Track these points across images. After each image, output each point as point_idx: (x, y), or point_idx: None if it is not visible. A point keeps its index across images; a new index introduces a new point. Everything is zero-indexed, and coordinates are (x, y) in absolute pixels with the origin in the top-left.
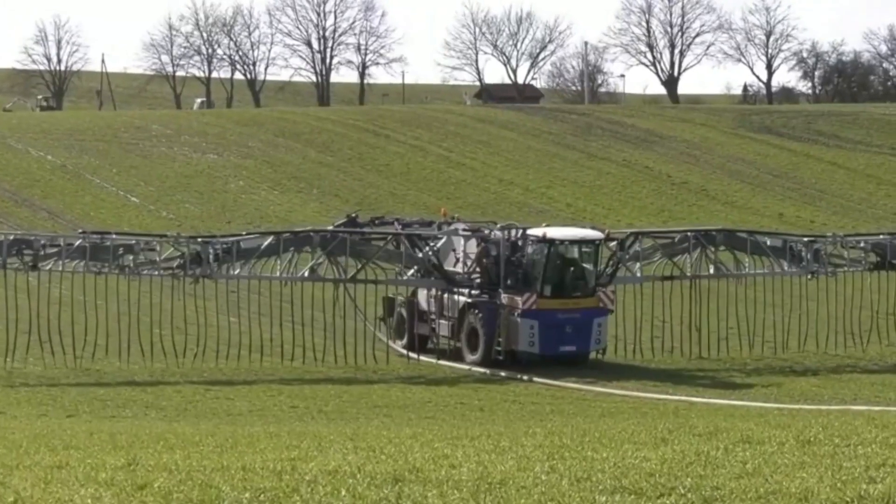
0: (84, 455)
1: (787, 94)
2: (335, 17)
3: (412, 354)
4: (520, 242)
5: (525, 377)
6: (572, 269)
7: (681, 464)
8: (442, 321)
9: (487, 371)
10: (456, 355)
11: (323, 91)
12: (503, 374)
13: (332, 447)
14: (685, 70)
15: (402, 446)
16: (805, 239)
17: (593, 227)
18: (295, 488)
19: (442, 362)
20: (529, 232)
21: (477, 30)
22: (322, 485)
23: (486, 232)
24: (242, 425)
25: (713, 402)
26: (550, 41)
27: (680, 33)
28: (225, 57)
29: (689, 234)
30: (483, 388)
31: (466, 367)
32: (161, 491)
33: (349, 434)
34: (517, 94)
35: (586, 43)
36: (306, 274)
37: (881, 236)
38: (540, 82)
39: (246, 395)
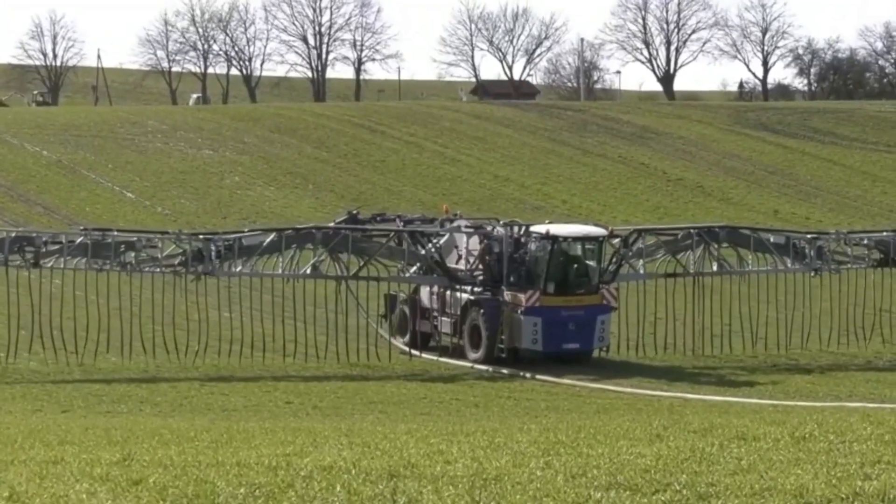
0: (79, 450)
1: (783, 91)
2: (331, 13)
3: (414, 352)
4: (523, 239)
5: (527, 374)
6: (576, 266)
7: (676, 460)
8: (444, 318)
9: (490, 368)
10: (458, 353)
11: (319, 87)
12: (505, 371)
13: (327, 443)
14: (681, 67)
15: (397, 442)
16: (808, 236)
17: (596, 225)
18: (290, 484)
19: (444, 359)
20: (532, 229)
21: (473, 26)
22: (317, 480)
23: (489, 229)
24: (238, 421)
25: (708, 399)
26: (546, 37)
27: (676, 30)
28: (221, 53)
29: (692, 231)
30: (478, 385)
31: (469, 364)
32: (156, 486)
33: (344, 430)
34: (513, 91)
35: (582, 39)
36: (308, 271)
37: (884, 233)
38: (536, 79)
39: (241, 391)
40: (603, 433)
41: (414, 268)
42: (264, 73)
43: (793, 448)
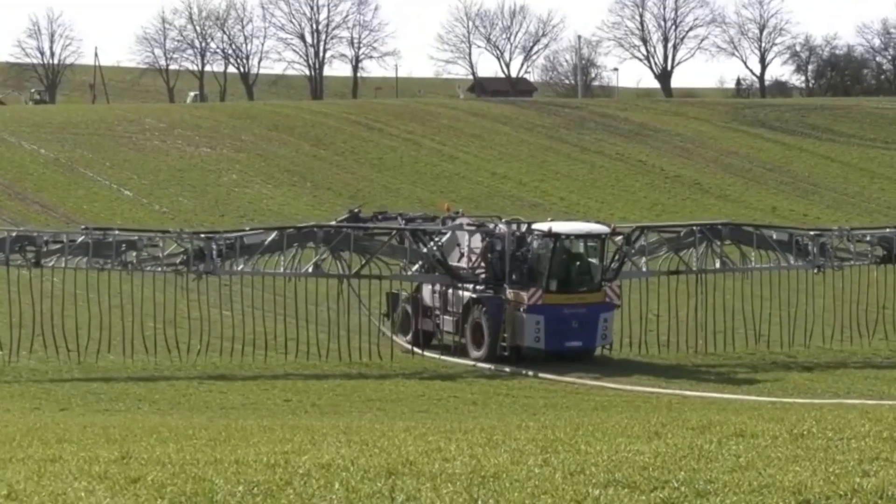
0: (77, 448)
1: (781, 88)
2: (328, 11)
3: (416, 350)
4: (525, 237)
5: (530, 373)
6: (578, 263)
7: (674, 457)
8: (446, 317)
9: (492, 367)
10: (460, 351)
11: (316, 85)
12: (508, 369)
13: (325, 441)
14: (678, 64)
15: (395, 440)
16: (811, 232)
17: (598, 222)
18: (288, 481)
19: (446, 358)
20: (535, 226)
21: (470, 23)
22: (315, 478)
23: (491, 226)
24: (236, 419)
25: (707, 396)
26: (544, 35)
27: (673, 27)
28: (218, 50)
29: (694, 228)
30: (476, 382)
31: (471, 362)
32: (154, 484)
33: (342, 428)
34: (510, 88)
35: (580, 36)
36: (310, 270)
37: (887, 230)
38: (533, 76)
39: (240, 389)
40: (601, 430)
41: (416, 266)
42: (262, 71)
43: (791, 445)
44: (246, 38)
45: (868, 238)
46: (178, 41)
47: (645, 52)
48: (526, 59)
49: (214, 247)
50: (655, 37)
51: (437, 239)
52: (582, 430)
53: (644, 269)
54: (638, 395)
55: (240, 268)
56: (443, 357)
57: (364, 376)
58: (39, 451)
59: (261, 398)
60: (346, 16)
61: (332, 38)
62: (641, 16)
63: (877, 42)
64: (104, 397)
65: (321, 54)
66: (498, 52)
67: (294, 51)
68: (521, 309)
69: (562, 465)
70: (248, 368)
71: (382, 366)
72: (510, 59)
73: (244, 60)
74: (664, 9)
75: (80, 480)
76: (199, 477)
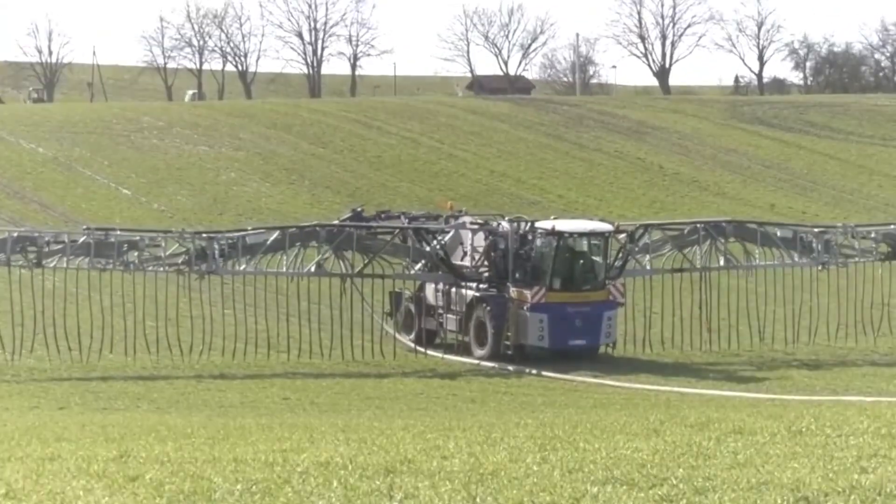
0: (76, 447)
1: (779, 85)
2: (326, 9)
3: (420, 348)
4: (528, 235)
5: (534, 371)
6: (581, 262)
7: (672, 454)
8: (449, 315)
9: (496, 365)
10: (464, 350)
11: (314, 83)
12: (511, 368)
13: (323, 439)
14: (677, 61)
15: (393, 438)
16: (815, 229)
17: (602, 220)
18: (287, 480)
19: (449, 357)
20: (538, 225)
21: (468, 21)
22: (314, 476)
23: (495, 225)
24: (234, 417)
25: (705, 393)
26: (542, 32)
27: (671, 24)
28: (216, 49)
29: (698, 225)
30: (475, 380)
31: (475, 361)
32: (153, 482)
33: (341, 426)
34: (509, 86)
35: (578, 34)
36: (312, 269)
37: (892, 226)
38: (531, 74)
39: (238, 388)
40: (599, 428)
41: (419, 265)
42: (260, 69)
43: (789, 442)
44: (244, 36)
45: (872, 235)
46: (177, 40)
47: (643, 50)
48: (524, 56)
49: (216, 246)
50: (653, 34)
51: (440, 238)
52: (580, 428)
53: (648, 267)
54: (636, 393)
55: (242, 267)
56: (446, 356)
57: (363, 374)
58: (38, 450)
59: (259, 396)
60: (345, 14)
61: (330, 36)
62: (639, 13)
63: (875, 39)
64: (103, 396)
65: (319, 52)
66: (496, 49)
67: (292, 49)
68: (525, 307)
69: (560, 462)
70: (248, 367)
71: (381, 364)
72: (508, 57)
73: (242, 59)
74: (662, 6)
75: (78, 479)
76: (198, 475)
